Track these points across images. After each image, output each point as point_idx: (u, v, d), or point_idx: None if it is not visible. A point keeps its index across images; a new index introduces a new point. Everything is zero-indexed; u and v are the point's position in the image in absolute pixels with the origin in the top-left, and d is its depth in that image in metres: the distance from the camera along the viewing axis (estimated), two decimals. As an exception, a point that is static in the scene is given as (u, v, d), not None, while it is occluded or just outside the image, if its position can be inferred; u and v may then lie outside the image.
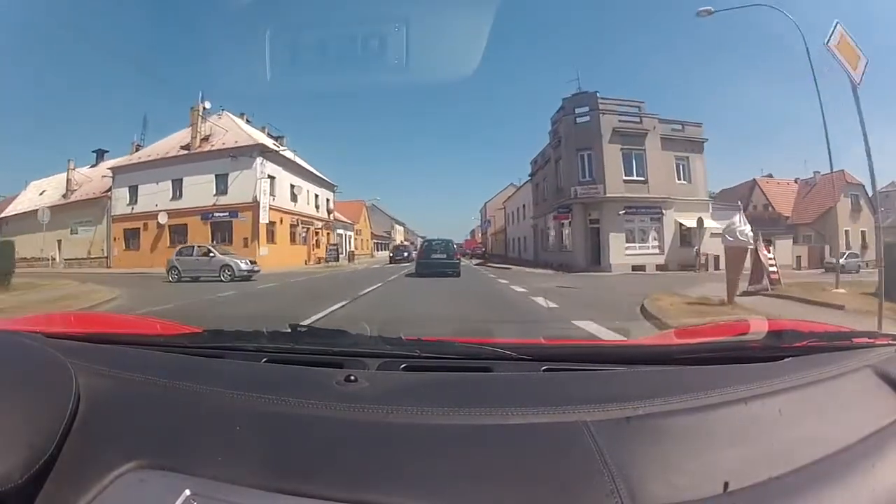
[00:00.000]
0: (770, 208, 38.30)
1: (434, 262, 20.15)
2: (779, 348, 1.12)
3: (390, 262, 36.59)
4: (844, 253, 32.99)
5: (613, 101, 29.12)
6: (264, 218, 31.82)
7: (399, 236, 70.29)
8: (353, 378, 0.95)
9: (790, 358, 1.08)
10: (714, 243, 29.68)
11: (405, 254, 38.75)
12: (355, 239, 51.42)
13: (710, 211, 29.50)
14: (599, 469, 0.69)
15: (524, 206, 42.69)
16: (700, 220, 28.07)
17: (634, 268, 26.85)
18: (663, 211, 28.38)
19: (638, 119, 28.91)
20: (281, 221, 34.76)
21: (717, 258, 28.33)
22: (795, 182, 41.01)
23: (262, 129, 38.88)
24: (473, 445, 0.76)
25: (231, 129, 34.39)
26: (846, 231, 35.91)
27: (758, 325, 1.29)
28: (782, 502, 0.68)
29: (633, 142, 28.37)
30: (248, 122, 37.72)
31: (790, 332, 1.22)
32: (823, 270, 30.95)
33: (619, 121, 28.58)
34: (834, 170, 37.11)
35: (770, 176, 41.53)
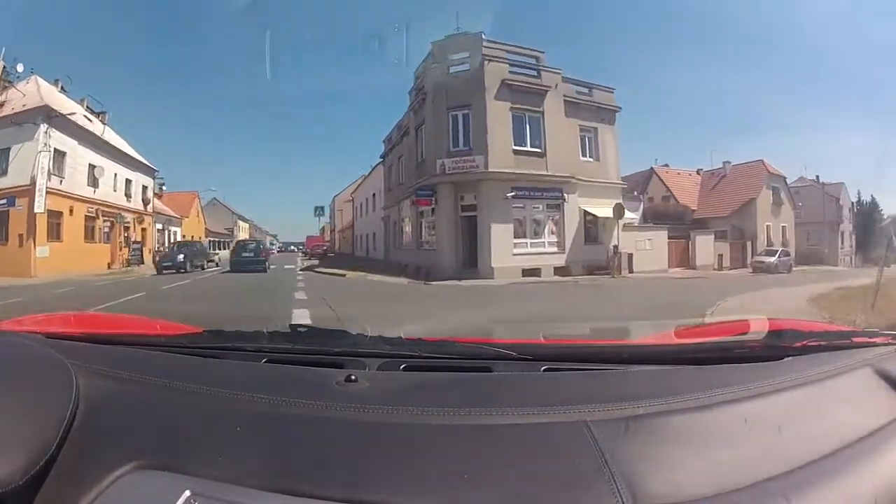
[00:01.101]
0: (673, 200, 33.07)
1: (244, 259, 22.35)
2: (779, 348, 1.11)
3: (158, 273, 22.03)
4: (776, 250, 28.09)
5: (504, 47, 21.18)
6: (40, 206, 21.96)
7: (243, 234, 60.33)
8: (353, 378, 0.95)
9: (790, 357, 1.07)
10: (628, 239, 22.41)
11: (180, 257, 23.00)
12: (184, 236, 41.48)
13: (622, 199, 22.90)
14: (600, 469, 0.70)
15: (374, 195, 34.25)
16: (619, 208, 21.10)
17: (526, 272, 19.45)
18: (565, 195, 21.08)
19: (535, 72, 21.39)
20: (71, 212, 24.65)
21: (630, 258, 21.78)
22: (698, 173, 36.08)
23: (81, 102, 28.18)
24: (474, 445, 0.77)
25: (32, 95, 23.86)
26: (767, 226, 31.06)
27: (758, 324, 1.26)
28: (782, 501, 0.69)
29: (529, 101, 20.84)
30: (63, 90, 27.04)
31: (790, 331, 1.22)
32: (751, 270, 26.88)
33: (511, 72, 20.87)
34: (731, 161, 31.70)
35: (667, 166, 36.15)
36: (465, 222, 20.70)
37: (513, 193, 19.98)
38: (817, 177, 39.33)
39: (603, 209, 21.53)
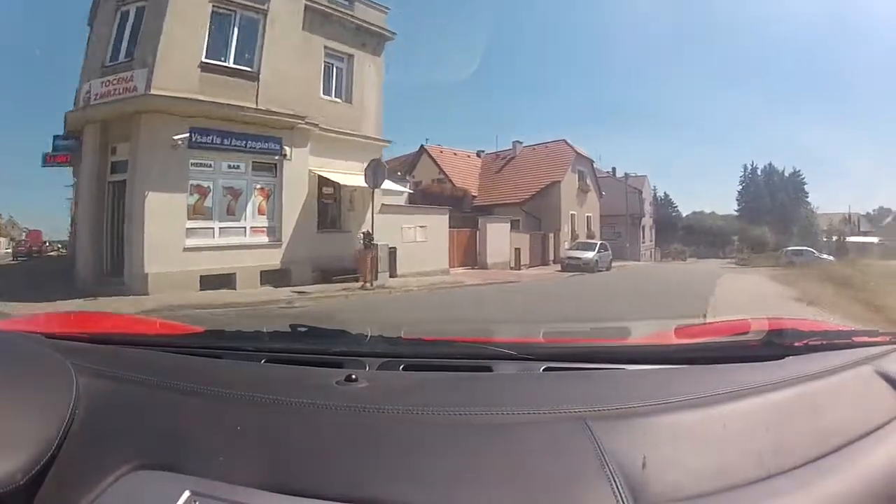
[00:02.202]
0: (449, 183, 27.27)
1: None
2: (779, 347, 1.10)
3: None
4: (594, 244, 23.14)
5: None
6: None
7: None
8: (353, 378, 0.95)
9: (790, 357, 1.07)
10: (391, 225, 13.51)
11: None
12: None
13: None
14: (600, 468, 0.70)
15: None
16: (376, 169, 13.26)
17: (207, 281, 11.16)
18: (287, 148, 12.92)
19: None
20: None
21: (394, 254, 13.85)
22: (478, 155, 31.34)
23: None
24: (474, 445, 0.77)
25: None
26: (572, 215, 26.58)
27: (758, 324, 1.27)
28: (782, 500, 0.69)
29: (241, -6, 12.26)
30: None
31: (790, 331, 1.20)
32: (560, 268, 21.52)
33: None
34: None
35: (439, 146, 30.54)
36: (112, 193, 11.54)
37: (185, 136, 11.14)
38: (614, 168, 36.88)
39: (351, 176, 13.90)
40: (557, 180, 25.74)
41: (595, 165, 30.77)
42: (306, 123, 13.05)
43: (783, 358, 1.06)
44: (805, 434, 0.83)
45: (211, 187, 12.01)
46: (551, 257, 23.41)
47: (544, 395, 0.92)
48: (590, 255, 21.32)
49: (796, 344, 1.12)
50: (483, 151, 31.36)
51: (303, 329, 1.30)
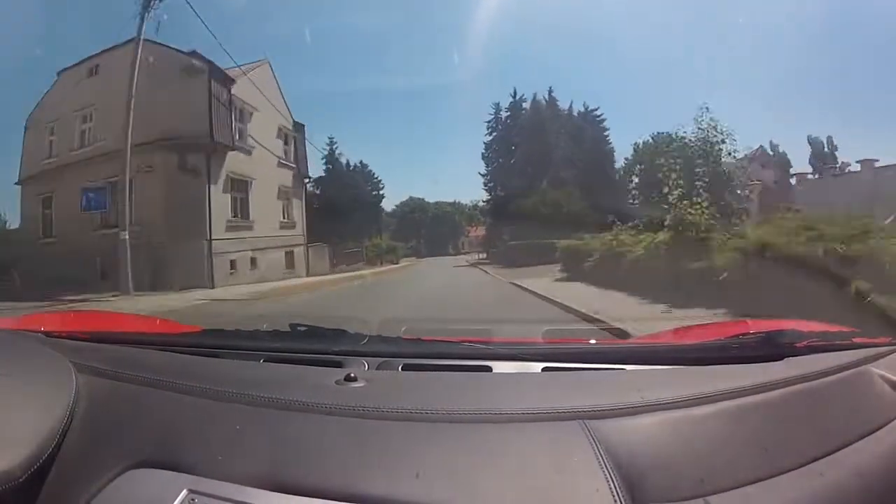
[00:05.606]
0: None
1: None
2: (778, 347, 1.09)
3: None
4: None
5: None
6: None
7: None
8: (351, 377, 0.95)
9: (790, 358, 1.05)
10: None
11: None
12: None
13: None
14: (598, 468, 0.69)
15: None
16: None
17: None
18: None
19: None
20: None
21: None
22: None
23: None
24: (472, 445, 0.76)
25: None
26: None
27: (758, 324, 1.27)
28: (782, 501, 0.69)
29: None
30: None
31: (790, 331, 1.20)
32: None
33: None
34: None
35: None
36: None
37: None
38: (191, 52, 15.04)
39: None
40: None
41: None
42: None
43: (783, 358, 1.03)
44: (804, 435, 0.82)
45: None
46: None
47: (542, 395, 0.89)
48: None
49: (796, 344, 1.09)
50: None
51: (302, 328, 1.30)
